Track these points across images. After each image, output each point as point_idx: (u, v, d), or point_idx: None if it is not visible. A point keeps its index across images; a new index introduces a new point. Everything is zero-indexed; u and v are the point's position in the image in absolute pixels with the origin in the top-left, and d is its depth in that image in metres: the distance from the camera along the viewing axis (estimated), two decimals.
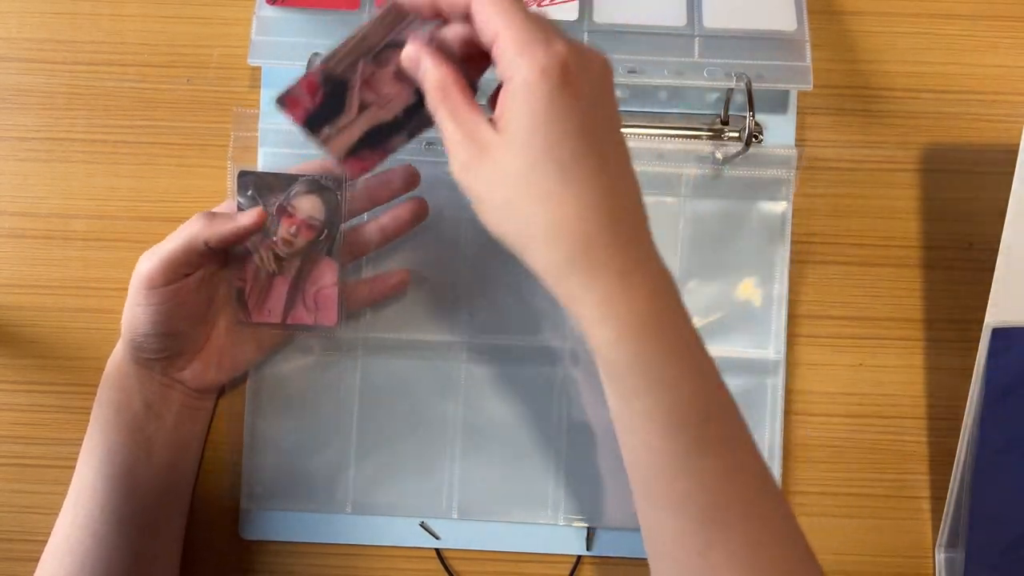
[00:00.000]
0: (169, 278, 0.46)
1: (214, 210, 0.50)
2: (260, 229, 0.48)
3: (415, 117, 0.45)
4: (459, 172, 0.37)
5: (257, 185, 0.49)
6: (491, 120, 0.37)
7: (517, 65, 0.35)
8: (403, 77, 0.43)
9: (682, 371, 0.36)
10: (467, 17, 0.37)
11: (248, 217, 0.47)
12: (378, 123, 0.45)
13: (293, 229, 0.49)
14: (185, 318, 0.48)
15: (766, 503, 0.38)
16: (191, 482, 0.52)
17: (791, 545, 0.38)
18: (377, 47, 0.43)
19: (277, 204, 0.49)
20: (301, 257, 0.50)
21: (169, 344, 0.48)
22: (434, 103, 0.39)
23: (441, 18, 0.39)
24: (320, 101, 0.44)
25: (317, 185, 0.49)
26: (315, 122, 0.45)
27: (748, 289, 0.54)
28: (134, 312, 0.47)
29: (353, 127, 0.45)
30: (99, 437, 0.48)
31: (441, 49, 0.39)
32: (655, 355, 0.36)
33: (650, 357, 0.36)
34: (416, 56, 0.39)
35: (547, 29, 0.36)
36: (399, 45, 0.42)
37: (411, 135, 0.45)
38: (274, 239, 0.49)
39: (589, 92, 0.36)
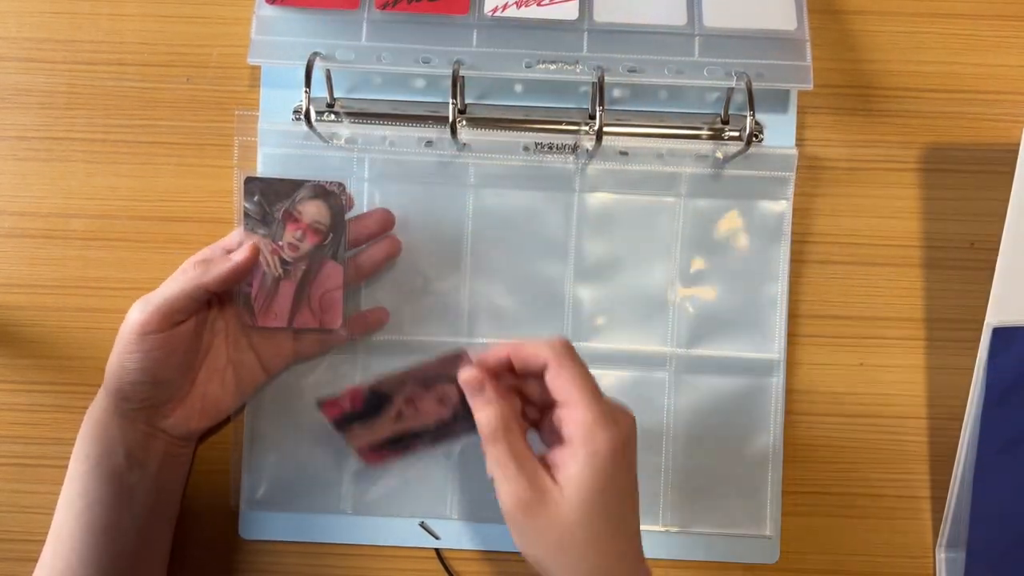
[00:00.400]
0: (163, 325, 0.46)
1: (212, 247, 0.50)
2: (256, 262, 0.48)
3: (443, 429, 0.47)
4: (514, 507, 0.41)
5: (263, 191, 0.50)
6: (545, 465, 0.42)
7: (594, 436, 0.40)
8: (444, 402, 0.46)
9: None
10: (537, 376, 0.43)
11: (242, 254, 0.48)
12: (407, 431, 0.48)
13: (299, 234, 0.50)
14: (174, 366, 0.48)
15: None
16: (173, 523, 0.51)
17: None
18: (430, 379, 0.45)
19: (283, 209, 0.50)
20: (307, 261, 0.50)
21: (157, 392, 0.48)
22: (494, 436, 0.42)
23: (511, 373, 0.44)
24: (359, 408, 0.47)
25: (322, 190, 0.50)
26: (346, 422, 0.47)
27: (748, 289, 0.54)
28: (123, 360, 0.46)
29: (381, 430, 0.48)
30: (79, 488, 0.47)
31: (500, 384, 0.44)
32: None
33: None
34: (479, 383, 0.43)
35: (612, 405, 0.42)
36: (447, 377, 0.45)
37: (434, 442, 0.48)
38: (280, 244, 0.50)
39: (631, 459, 0.42)
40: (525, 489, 0.41)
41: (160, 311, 0.46)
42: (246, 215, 0.50)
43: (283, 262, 0.50)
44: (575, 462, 0.41)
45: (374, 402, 0.47)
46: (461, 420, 0.46)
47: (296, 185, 0.50)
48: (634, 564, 0.42)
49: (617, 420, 0.42)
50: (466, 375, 0.43)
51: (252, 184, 0.50)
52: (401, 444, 0.48)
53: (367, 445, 0.48)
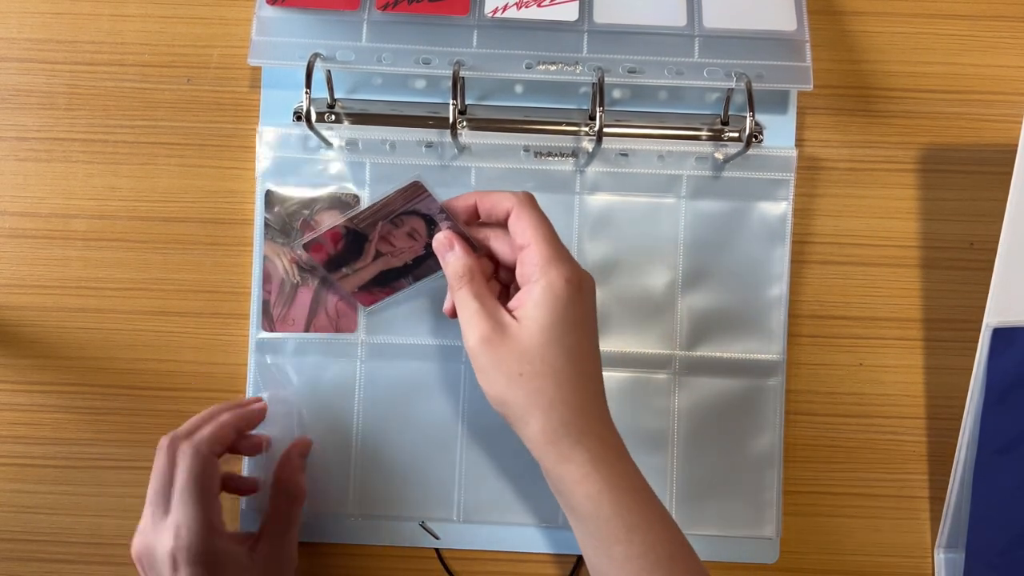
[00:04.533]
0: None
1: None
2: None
3: (421, 266, 0.51)
4: (477, 343, 0.43)
5: (283, 202, 0.52)
6: (507, 310, 0.44)
7: (547, 271, 0.43)
8: (415, 236, 0.49)
9: (651, 518, 0.43)
10: (501, 223, 0.46)
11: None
12: (388, 268, 0.51)
13: None
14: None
15: None
16: None
17: None
18: (396, 213, 0.48)
19: (301, 219, 0.52)
20: (323, 269, 0.52)
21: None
22: (459, 283, 0.45)
23: (475, 219, 0.47)
24: (341, 249, 0.50)
25: (338, 202, 0.53)
26: (335, 264, 0.51)
27: (749, 290, 0.54)
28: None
29: (366, 270, 0.51)
30: None
31: (466, 240, 0.47)
32: (631, 505, 0.43)
33: (627, 507, 0.42)
34: (449, 242, 0.46)
35: (566, 250, 0.45)
36: (414, 212, 0.48)
37: (415, 279, 0.51)
38: (298, 252, 0.52)
39: (588, 301, 0.44)
40: (487, 325, 0.43)
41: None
42: (266, 224, 0.52)
43: (301, 269, 0.52)
44: (531, 296, 0.43)
45: (352, 239, 0.49)
46: (434, 254, 0.48)
47: (314, 196, 0.53)
48: (597, 423, 0.43)
49: (571, 262, 0.44)
50: (437, 240, 0.47)
51: (272, 195, 0.52)
52: (387, 283, 0.52)
53: (358, 287, 0.51)
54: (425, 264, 0.50)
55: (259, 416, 0.51)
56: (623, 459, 0.44)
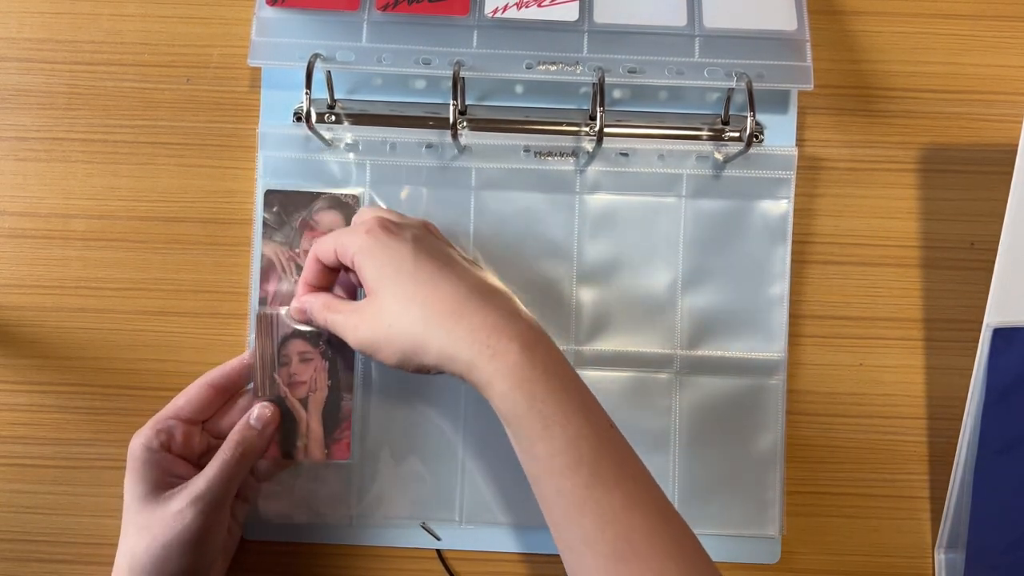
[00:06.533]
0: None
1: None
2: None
3: (340, 376, 0.51)
4: (356, 337, 0.45)
5: (282, 202, 0.53)
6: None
7: (352, 244, 0.45)
8: (306, 357, 0.51)
9: (570, 411, 0.41)
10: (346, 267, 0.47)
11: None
12: (324, 403, 0.51)
13: None
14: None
15: (671, 533, 0.41)
16: None
17: (700, 573, 0.41)
18: (275, 355, 0.50)
19: (300, 219, 0.53)
20: None
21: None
22: (324, 316, 0.47)
23: (336, 264, 0.48)
24: (276, 430, 0.50)
25: (337, 201, 0.53)
26: (287, 447, 0.51)
27: (750, 289, 0.54)
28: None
29: (312, 422, 0.51)
30: None
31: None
32: (545, 398, 0.41)
33: (541, 401, 0.41)
34: (299, 304, 0.49)
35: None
36: (285, 341, 0.50)
37: (341, 382, 0.52)
38: (297, 252, 0.52)
39: (411, 234, 0.45)
40: (350, 319, 0.45)
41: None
42: (265, 224, 0.52)
43: (299, 268, 0.52)
44: (356, 274, 0.45)
45: (281, 412, 0.50)
46: (332, 347, 0.51)
47: (313, 196, 0.53)
48: (490, 315, 0.43)
49: (366, 221, 0.46)
50: (291, 309, 0.49)
51: (272, 195, 0.53)
52: (335, 417, 0.51)
53: (321, 449, 0.51)
54: (343, 361, 0.51)
55: (239, 370, 0.51)
56: (535, 347, 0.42)
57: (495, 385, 0.42)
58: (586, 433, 0.41)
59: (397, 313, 0.43)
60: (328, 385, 0.51)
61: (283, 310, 0.50)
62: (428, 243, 0.46)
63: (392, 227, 0.46)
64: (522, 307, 0.45)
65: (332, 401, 0.51)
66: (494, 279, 0.47)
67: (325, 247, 0.47)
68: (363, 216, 0.48)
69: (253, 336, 0.52)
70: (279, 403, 0.50)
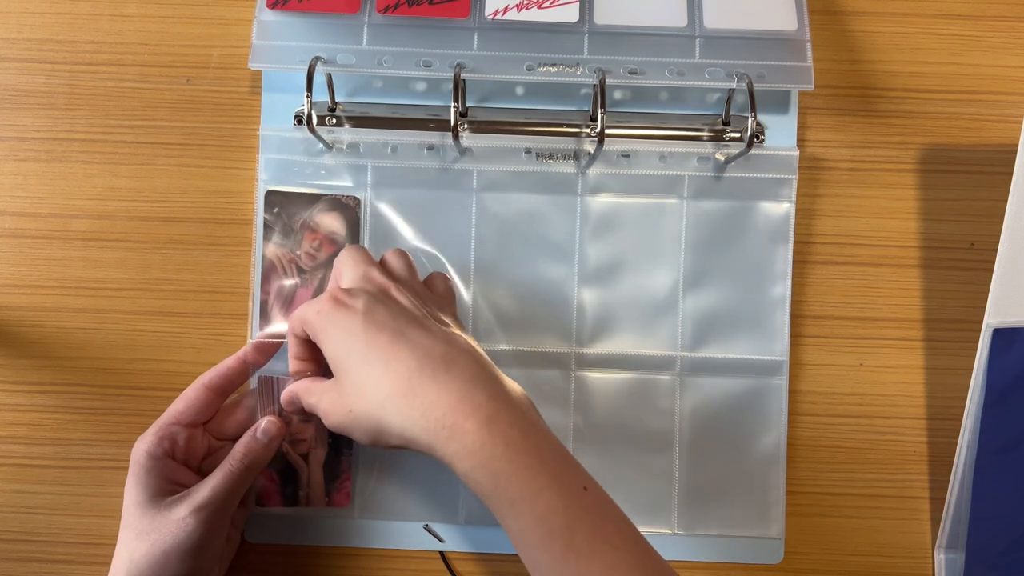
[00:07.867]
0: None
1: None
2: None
3: (341, 435, 0.51)
4: (328, 422, 0.45)
5: (283, 204, 0.53)
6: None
7: (309, 325, 0.45)
8: (306, 418, 0.51)
9: (537, 486, 0.39)
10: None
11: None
12: (324, 459, 0.52)
13: (316, 244, 0.53)
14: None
15: None
16: None
17: None
18: (276, 412, 0.50)
19: (301, 220, 0.53)
20: (323, 270, 0.53)
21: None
22: (305, 402, 0.46)
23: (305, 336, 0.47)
24: (279, 479, 0.51)
25: (338, 203, 0.53)
26: (289, 496, 0.52)
27: (752, 290, 0.54)
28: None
29: (314, 474, 0.52)
30: None
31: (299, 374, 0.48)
32: (509, 476, 0.40)
33: (505, 479, 0.40)
34: (288, 396, 0.48)
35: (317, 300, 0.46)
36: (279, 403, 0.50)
37: (347, 445, 0.53)
38: (298, 253, 0.53)
39: (363, 303, 0.44)
40: (332, 399, 0.44)
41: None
42: (266, 226, 0.53)
43: (300, 270, 0.53)
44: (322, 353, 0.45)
45: (279, 465, 0.51)
46: None
47: (314, 198, 0.53)
48: (443, 393, 0.41)
49: (322, 298, 0.45)
50: (283, 400, 0.48)
51: (273, 197, 0.53)
52: (335, 471, 0.52)
53: (323, 498, 0.52)
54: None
55: (236, 370, 0.51)
56: (495, 421, 0.40)
57: (456, 467, 0.41)
58: (555, 506, 0.39)
59: (354, 396, 0.43)
60: (328, 443, 0.52)
61: (284, 375, 0.50)
62: (381, 312, 0.44)
63: (343, 299, 0.44)
64: (486, 368, 0.43)
65: (332, 457, 0.52)
66: (457, 336, 0.45)
67: (294, 323, 0.47)
68: (337, 264, 0.47)
69: (252, 335, 0.52)
70: (280, 460, 0.51)
